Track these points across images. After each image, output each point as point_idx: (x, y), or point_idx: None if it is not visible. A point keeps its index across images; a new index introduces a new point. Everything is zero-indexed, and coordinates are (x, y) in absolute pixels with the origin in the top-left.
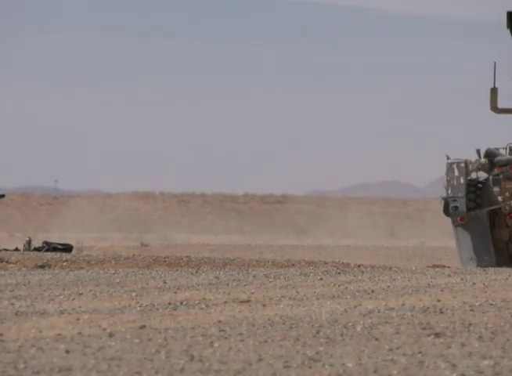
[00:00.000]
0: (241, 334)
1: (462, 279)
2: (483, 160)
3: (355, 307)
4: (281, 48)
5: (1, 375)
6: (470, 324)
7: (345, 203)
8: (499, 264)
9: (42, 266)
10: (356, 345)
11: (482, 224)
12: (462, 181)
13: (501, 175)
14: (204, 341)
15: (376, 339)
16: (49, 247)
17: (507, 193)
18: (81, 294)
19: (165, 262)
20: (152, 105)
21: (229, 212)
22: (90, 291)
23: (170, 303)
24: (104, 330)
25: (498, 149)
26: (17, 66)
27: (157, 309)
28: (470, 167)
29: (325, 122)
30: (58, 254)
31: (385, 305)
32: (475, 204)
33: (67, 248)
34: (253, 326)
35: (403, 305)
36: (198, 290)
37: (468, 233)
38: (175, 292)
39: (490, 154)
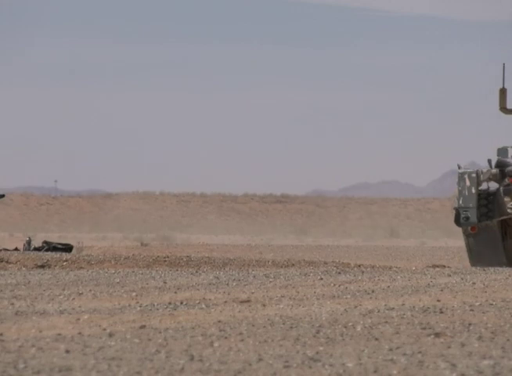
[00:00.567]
0: (241, 334)
1: (462, 279)
2: (494, 170)
3: (355, 307)
4: (281, 48)
5: (2, 375)
6: (470, 324)
7: (345, 203)
8: None
9: (42, 266)
10: (356, 345)
11: (493, 234)
12: (473, 191)
13: None
14: (204, 341)
15: (376, 339)
16: (49, 247)
17: None
18: (81, 294)
19: (165, 261)
20: (152, 105)
21: (229, 212)
22: (90, 290)
23: (170, 303)
24: (104, 330)
25: (507, 148)
26: (17, 66)
27: (157, 309)
28: (481, 177)
29: (325, 122)
30: (58, 254)
31: (385, 305)
32: (486, 214)
33: (67, 248)
34: (253, 326)
35: (403, 305)
36: (198, 290)
37: (479, 242)
38: (175, 292)
39: (501, 164)
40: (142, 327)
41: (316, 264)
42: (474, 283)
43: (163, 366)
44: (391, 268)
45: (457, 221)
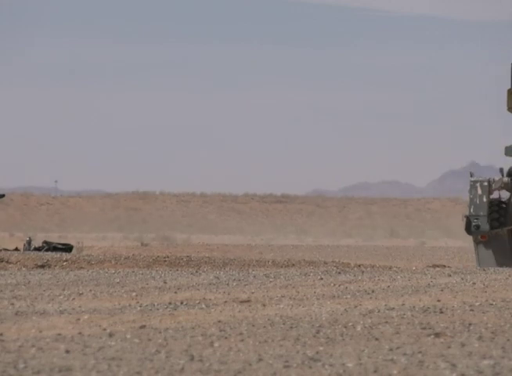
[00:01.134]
0: (241, 334)
1: (462, 279)
2: (506, 178)
3: (355, 307)
4: (281, 48)
5: (2, 375)
6: (470, 324)
7: (345, 203)
8: None
9: (42, 266)
10: (356, 345)
11: (503, 242)
12: (484, 199)
13: None
14: (204, 341)
15: (376, 339)
16: (49, 246)
17: None
18: (81, 294)
19: (165, 261)
20: (152, 105)
21: (229, 212)
22: (90, 290)
23: (170, 303)
24: (104, 330)
25: None
26: (17, 66)
27: (157, 309)
28: (493, 186)
29: (325, 122)
30: (58, 254)
31: (385, 305)
32: (497, 222)
33: (67, 248)
34: (253, 326)
35: (403, 305)
36: (198, 290)
37: (489, 250)
38: (175, 292)
39: None
40: (142, 327)
41: (316, 264)
42: (474, 284)
43: (163, 366)
44: (391, 268)
45: (468, 229)
